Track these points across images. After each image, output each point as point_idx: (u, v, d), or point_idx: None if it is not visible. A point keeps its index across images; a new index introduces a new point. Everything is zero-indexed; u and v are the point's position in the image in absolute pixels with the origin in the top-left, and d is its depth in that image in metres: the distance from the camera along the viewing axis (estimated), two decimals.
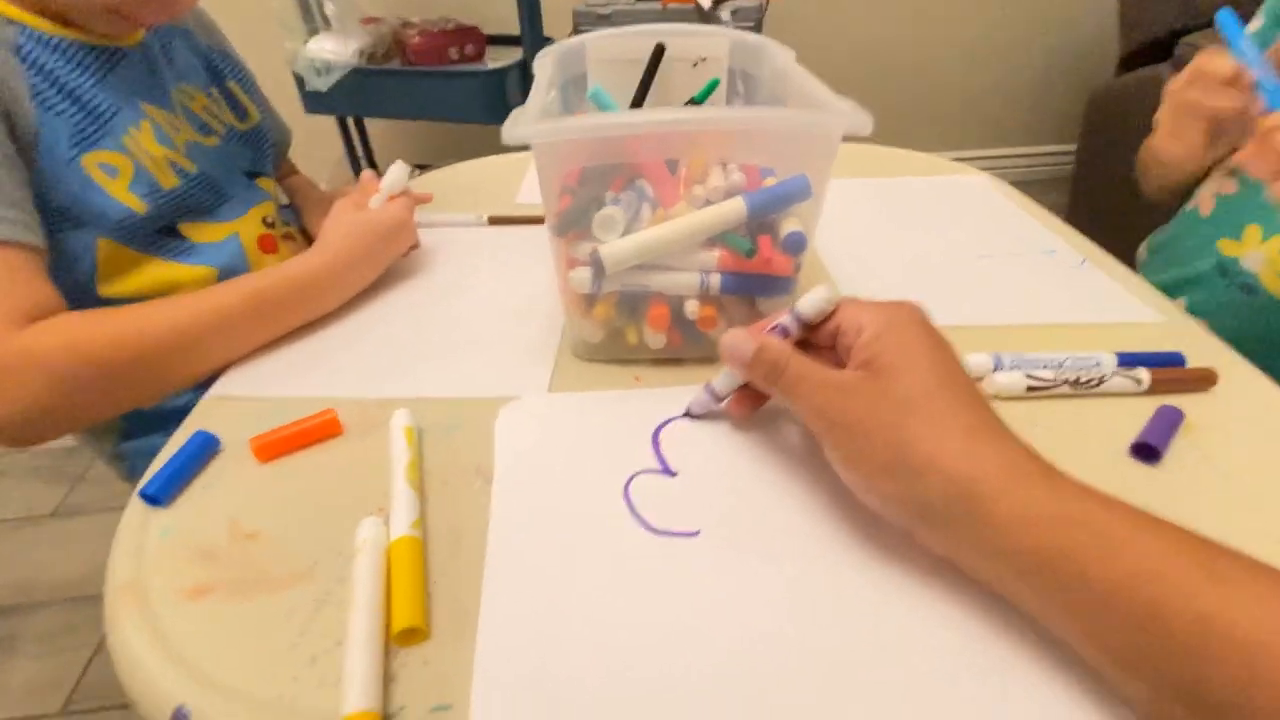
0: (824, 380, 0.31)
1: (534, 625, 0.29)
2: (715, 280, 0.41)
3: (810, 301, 0.34)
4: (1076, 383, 0.40)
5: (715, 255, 0.41)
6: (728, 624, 0.29)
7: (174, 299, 0.45)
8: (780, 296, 0.43)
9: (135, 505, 0.36)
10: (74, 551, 1.08)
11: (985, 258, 0.56)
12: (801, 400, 0.32)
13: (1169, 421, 0.37)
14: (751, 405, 0.38)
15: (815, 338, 0.35)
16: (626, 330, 0.44)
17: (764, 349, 0.34)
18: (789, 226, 0.40)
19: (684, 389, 0.43)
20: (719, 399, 0.39)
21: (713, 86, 0.56)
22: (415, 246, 0.58)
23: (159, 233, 0.54)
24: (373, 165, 1.66)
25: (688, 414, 0.40)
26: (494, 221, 0.66)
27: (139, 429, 0.59)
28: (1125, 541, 0.23)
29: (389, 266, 0.55)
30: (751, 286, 0.42)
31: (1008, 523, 0.25)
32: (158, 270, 0.53)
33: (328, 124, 1.58)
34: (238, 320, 0.45)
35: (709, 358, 0.45)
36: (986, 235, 0.61)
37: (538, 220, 0.65)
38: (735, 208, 0.39)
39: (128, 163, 0.51)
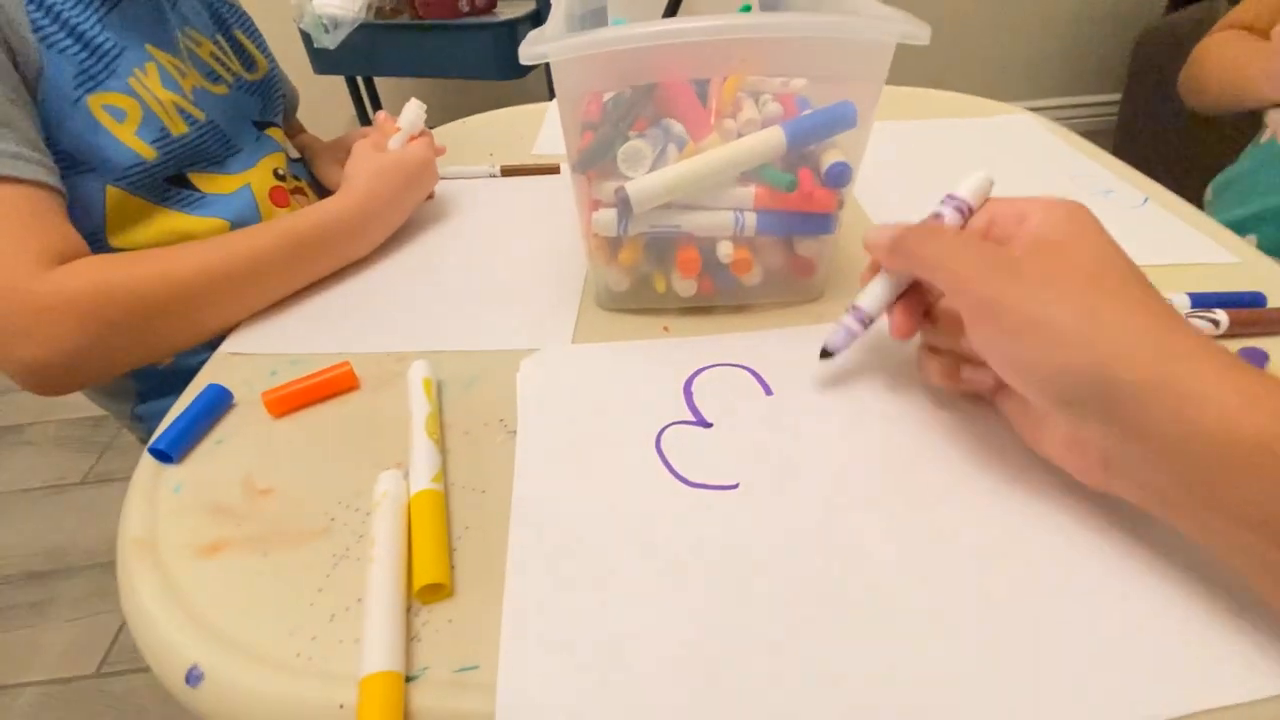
0: (985, 248, 0.28)
1: (563, 582, 0.27)
2: (751, 219, 0.38)
3: (970, 184, 0.31)
4: None
5: (751, 192, 0.38)
6: (767, 578, 0.27)
7: (206, 241, 0.44)
8: (821, 236, 0.40)
9: (146, 462, 0.35)
10: (104, 518, 1.10)
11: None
12: (960, 271, 0.27)
13: (1254, 365, 0.34)
14: (915, 317, 0.33)
15: None
16: (654, 277, 0.42)
17: (911, 226, 0.31)
18: (832, 158, 0.37)
19: (715, 339, 0.40)
20: (866, 322, 0.33)
21: (745, 11, 0.52)
22: (430, 197, 0.56)
23: (168, 182, 0.52)
24: None
25: (825, 354, 0.34)
26: (507, 172, 0.63)
27: (156, 390, 0.58)
28: None
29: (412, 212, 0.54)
30: (790, 225, 0.39)
31: (1221, 407, 0.21)
32: (168, 221, 0.51)
33: (337, 85, 1.55)
34: (272, 263, 0.44)
35: (742, 306, 0.43)
36: (1037, 177, 0.57)
37: (553, 169, 0.62)
38: (774, 138, 0.36)
39: (135, 105, 0.49)
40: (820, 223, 0.39)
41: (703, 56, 0.34)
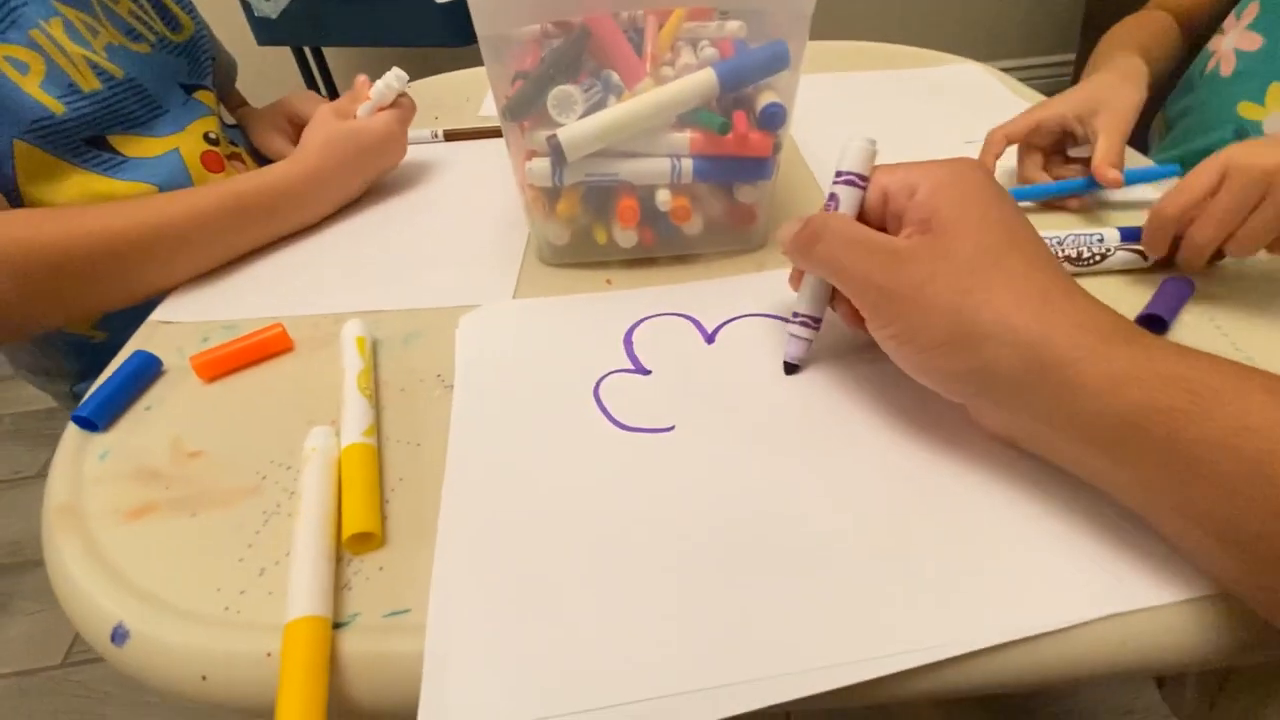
0: (872, 244, 0.27)
1: (496, 525, 0.27)
2: (687, 165, 0.38)
3: (851, 150, 0.29)
4: (1078, 259, 0.37)
5: (686, 137, 0.37)
6: (702, 514, 0.27)
7: (144, 199, 0.43)
8: (760, 182, 0.39)
9: (71, 430, 0.34)
10: None
11: (974, 143, 0.52)
12: (847, 269, 0.28)
13: (1178, 293, 0.35)
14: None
15: (862, 217, 0.30)
16: (594, 229, 0.41)
17: (804, 221, 0.30)
18: (766, 99, 0.37)
19: (658, 290, 0.40)
20: (814, 323, 0.32)
21: None
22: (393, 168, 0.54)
23: (87, 144, 0.49)
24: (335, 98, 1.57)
25: (789, 368, 0.33)
26: (450, 136, 0.61)
27: (92, 368, 0.55)
28: (1225, 396, 0.20)
29: (376, 181, 0.52)
30: (728, 171, 0.39)
31: (1091, 386, 0.22)
32: (87, 182, 0.49)
33: (284, 57, 1.49)
34: (212, 223, 0.43)
35: (684, 256, 0.43)
36: (984, 124, 0.57)
37: (495, 132, 0.60)
38: (705, 79, 0.35)
39: (38, 59, 0.46)
40: (758, 168, 0.39)
41: None
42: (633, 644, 0.23)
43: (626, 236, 0.40)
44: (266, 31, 1.31)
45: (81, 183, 0.49)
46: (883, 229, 0.29)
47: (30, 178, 0.48)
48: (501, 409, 0.32)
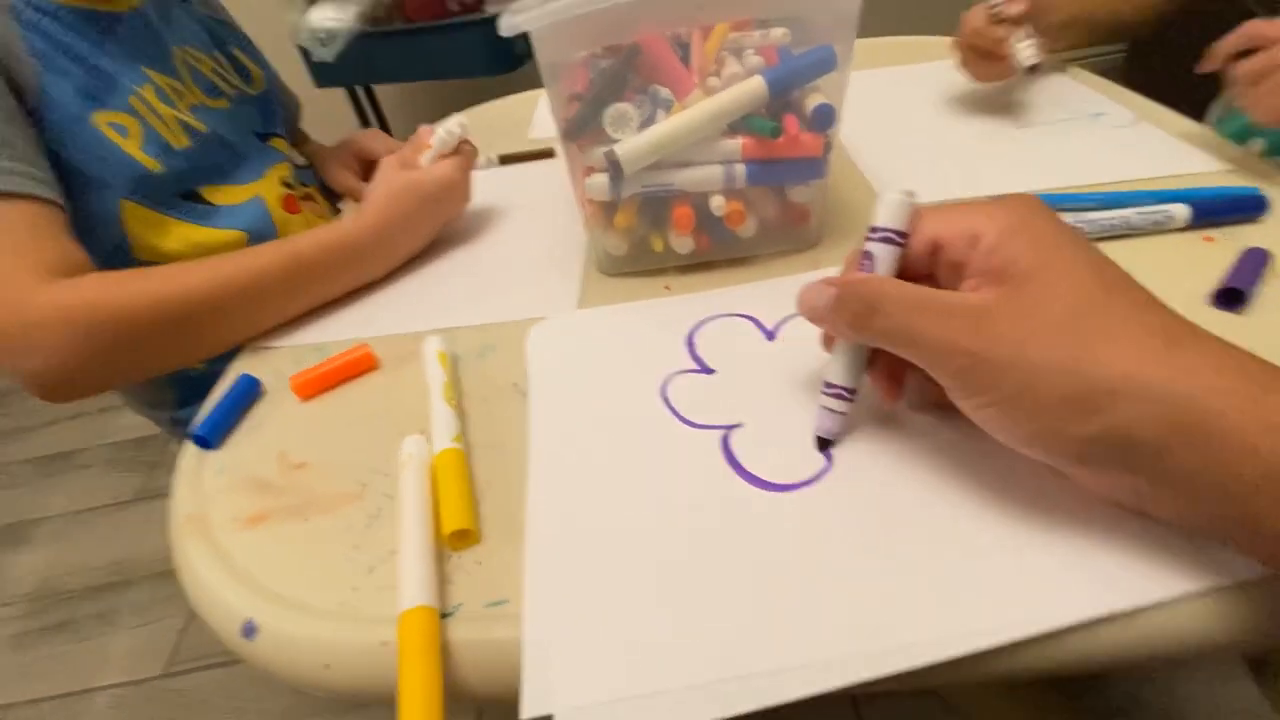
0: (948, 306, 0.24)
1: (579, 517, 0.28)
2: (740, 171, 0.39)
3: (887, 204, 0.27)
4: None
5: (738, 144, 0.38)
6: (773, 501, 0.28)
7: (209, 259, 0.44)
8: (813, 181, 0.40)
9: (189, 449, 0.37)
10: (159, 530, 1.14)
11: (1026, 128, 0.52)
12: (923, 339, 0.24)
13: (1255, 263, 0.34)
14: (898, 374, 0.29)
15: (905, 270, 0.27)
16: (651, 238, 0.43)
17: (847, 284, 0.26)
18: (815, 101, 0.38)
19: (716, 292, 0.41)
20: (848, 395, 0.29)
21: None
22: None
23: (181, 197, 0.54)
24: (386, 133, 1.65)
25: (824, 443, 0.30)
26: (505, 160, 0.64)
27: (193, 395, 0.61)
28: None
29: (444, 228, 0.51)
30: (780, 173, 0.40)
31: (1251, 437, 0.19)
32: (187, 233, 0.54)
33: (339, 98, 1.58)
34: (273, 284, 0.44)
35: (740, 259, 0.44)
36: (1025, 107, 0.56)
37: (549, 153, 0.63)
38: (755, 87, 0.37)
39: (135, 123, 0.51)
40: (810, 168, 0.40)
41: (670, 6, 0.34)
42: (714, 625, 0.24)
43: (683, 243, 0.42)
44: (324, 75, 1.38)
45: (181, 234, 0.54)
46: (926, 282, 0.26)
47: (138, 235, 0.52)
48: (575, 411, 0.34)
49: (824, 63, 0.37)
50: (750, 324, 0.38)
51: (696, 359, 0.36)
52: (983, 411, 0.24)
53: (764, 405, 0.33)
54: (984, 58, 0.55)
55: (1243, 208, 0.38)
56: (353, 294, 0.48)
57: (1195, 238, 0.39)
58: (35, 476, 1.34)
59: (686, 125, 0.37)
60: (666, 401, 0.34)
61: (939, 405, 0.27)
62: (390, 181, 0.48)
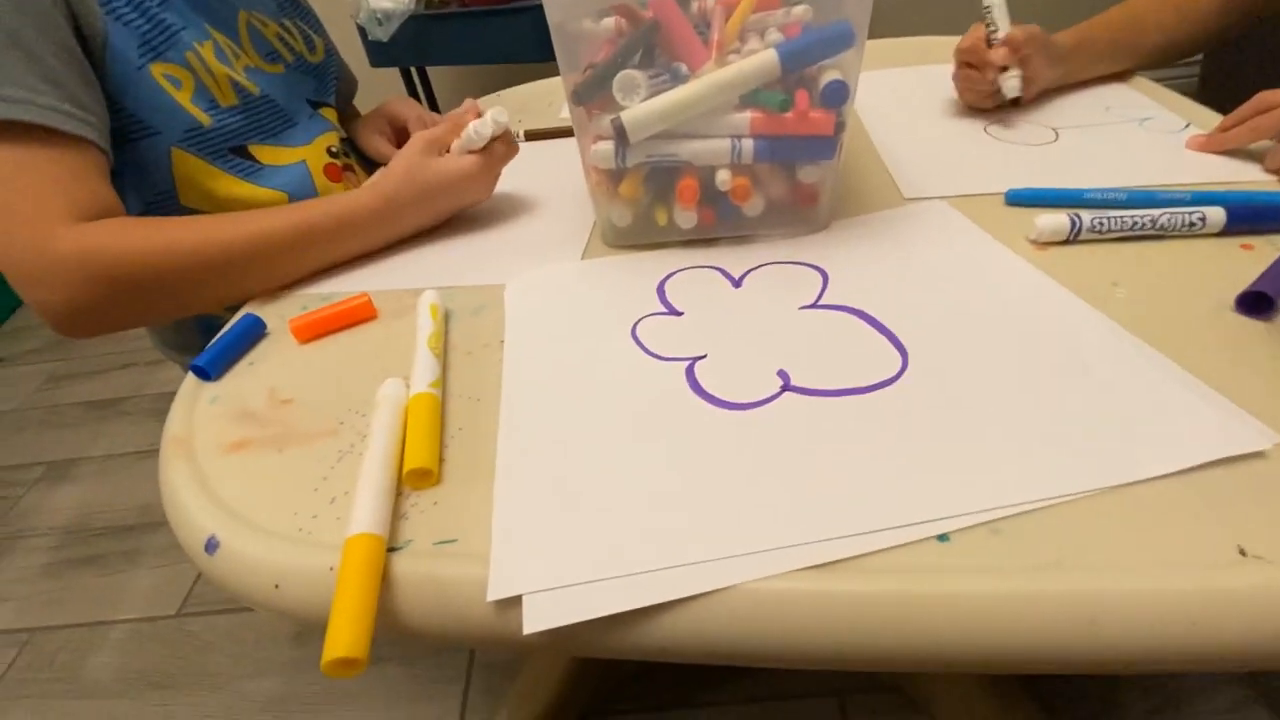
0: None
1: (548, 428, 0.30)
2: (748, 145, 0.38)
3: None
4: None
5: (747, 117, 0.38)
6: (735, 424, 0.29)
7: (228, 216, 0.46)
8: (822, 161, 0.39)
9: (189, 379, 0.38)
10: None
11: (1065, 129, 0.50)
12: None
13: None
14: None
15: None
16: (656, 210, 0.42)
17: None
18: (828, 77, 0.37)
19: (686, 250, 0.42)
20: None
21: None
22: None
23: (231, 151, 0.56)
24: (434, 107, 1.69)
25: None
26: (530, 136, 0.65)
27: None
28: None
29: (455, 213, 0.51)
30: (789, 150, 0.39)
31: None
32: (231, 186, 0.56)
33: (393, 78, 1.62)
34: (279, 247, 0.45)
35: (744, 237, 0.43)
36: (1071, 108, 0.54)
37: (569, 132, 0.63)
38: (767, 60, 0.36)
39: (189, 76, 0.53)
40: (820, 147, 0.39)
41: None
42: (671, 518, 0.25)
43: (686, 217, 0.41)
44: (379, 54, 1.42)
45: (227, 186, 0.55)
46: None
47: (186, 182, 0.54)
48: (549, 348, 0.35)
49: (840, 39, 0.36)
50: (718, 274, 0.39)
51: (666, 303, 0.37)
52: None
53: (728, 340, 0.34)
54: (971, 80, 0.54)
55: None
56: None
57: (1232, 244, 0.36)
58: (86, 419, 1.41)
59: (694, 94, 0.36)
60: (636, 339, 0.35)
61: None
62: (411, 160, 0.49)
